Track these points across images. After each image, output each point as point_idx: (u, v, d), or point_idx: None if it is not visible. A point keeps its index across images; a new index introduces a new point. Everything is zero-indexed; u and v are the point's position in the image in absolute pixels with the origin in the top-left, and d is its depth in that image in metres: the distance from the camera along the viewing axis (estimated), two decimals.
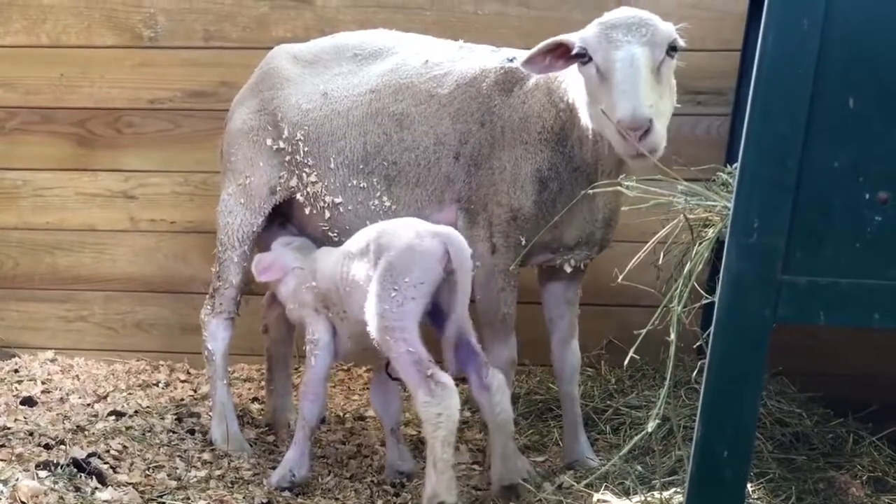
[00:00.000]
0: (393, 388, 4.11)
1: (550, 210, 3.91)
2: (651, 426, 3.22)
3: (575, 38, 3.65)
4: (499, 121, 3.96)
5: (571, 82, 3.83)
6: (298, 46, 4.56)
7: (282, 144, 4.35)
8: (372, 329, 3.63)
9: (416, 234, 3.64)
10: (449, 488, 3.54)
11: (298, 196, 4.34)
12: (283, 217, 4.48)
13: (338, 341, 4.00)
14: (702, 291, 3.31)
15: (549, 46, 3.71)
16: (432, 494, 3.53)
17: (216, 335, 4.49)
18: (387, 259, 3.62)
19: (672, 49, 3.60)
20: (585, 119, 3.77)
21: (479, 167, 3.98)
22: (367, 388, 5.14)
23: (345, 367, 5.51)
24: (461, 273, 3.61)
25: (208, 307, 4.52)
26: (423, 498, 3.59)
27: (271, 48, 4.66)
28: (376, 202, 4.15)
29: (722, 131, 5.16)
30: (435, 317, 3.69)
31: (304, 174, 4.30)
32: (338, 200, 4.23)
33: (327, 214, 4.26)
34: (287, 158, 4.34)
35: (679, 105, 3.76)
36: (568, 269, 4.12)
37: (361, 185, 4.18)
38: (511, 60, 4.03)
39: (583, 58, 3.63)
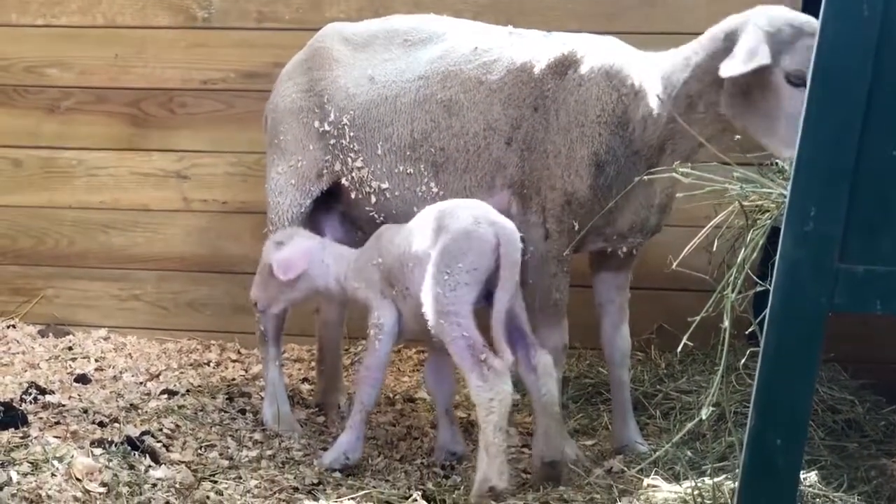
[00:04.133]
0: (448, 368, 4.09)
1: (606, 195, 3.90)
2: (705, 413, 3.21)
3: (780, 63, 3.57)
4: (553, 104, 3.95)
5: (637, 66, 3.85)
6: (351, 27, 4.53)
7: (327, 127, 4.34)
8: (427, 312, 3.64)
9: (474, 220, 3.63)
10: (500, 473, 3.55)
11: (343, 180, 4.35)
12: (332, 198, 4.46)
13: (402, 323, 3.96)
14: (755, 278, 3.29)
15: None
16: (483, 479, 3.55)
17: (269, 315, 4.50)
18: (443, 241, 3.63)
19: None
20: (653, 104, 3.80)
21: (533, 151, 3.97)
22: (417, 370, 5.16)
23: (395, 349, 5.52)
24: (507, 265, 3.61)
25: None
26: (474, 482, 3.61)
27: None
28: (423, 188, 4.15)
29: None
30: (491, 301, 3.67)
31: (349, 159, 4.30)
32: (384, 186, 4.24)
33: (373, 199, 4.27)
34: (332, 142, 4.34)
35: None
36: (620, 255, 4.11)
37: (409, 172, 4.18)
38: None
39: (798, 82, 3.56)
